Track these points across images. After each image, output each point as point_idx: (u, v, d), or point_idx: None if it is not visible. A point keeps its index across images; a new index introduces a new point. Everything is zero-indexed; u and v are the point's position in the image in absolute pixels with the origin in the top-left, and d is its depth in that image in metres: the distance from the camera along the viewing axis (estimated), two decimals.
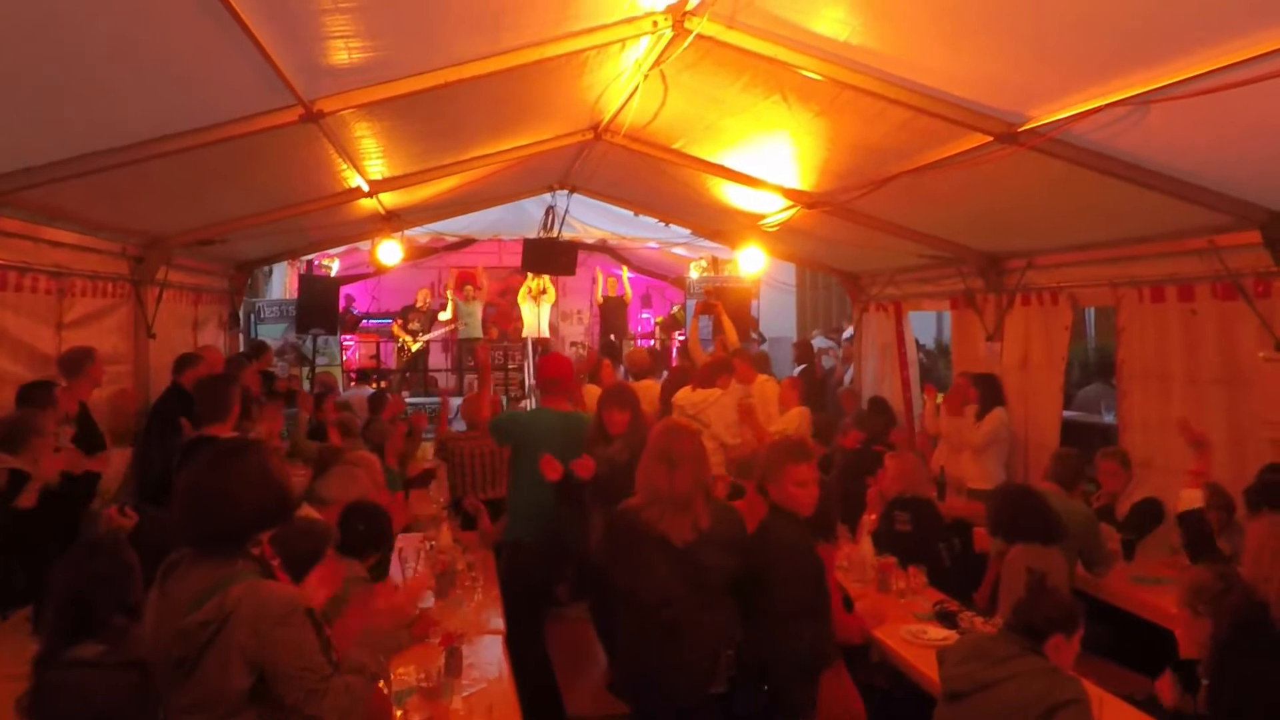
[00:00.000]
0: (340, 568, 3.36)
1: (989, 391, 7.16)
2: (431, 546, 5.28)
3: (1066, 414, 7.47)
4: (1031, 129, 4.45)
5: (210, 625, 2.31)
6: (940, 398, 7.91)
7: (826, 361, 12.02)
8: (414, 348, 13.91)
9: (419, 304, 14.44)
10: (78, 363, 5.70)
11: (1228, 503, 4.86)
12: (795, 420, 7.65)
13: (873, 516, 5.47)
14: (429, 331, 14.29)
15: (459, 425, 8.65)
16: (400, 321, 14.17)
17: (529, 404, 11.54)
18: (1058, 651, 3.30)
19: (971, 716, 3.30)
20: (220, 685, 2.31)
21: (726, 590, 3.75)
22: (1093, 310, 11.26)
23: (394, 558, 5.09)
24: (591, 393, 7.42)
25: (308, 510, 4.24)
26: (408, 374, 13.97)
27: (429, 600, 4.56)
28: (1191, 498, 4.82)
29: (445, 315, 14.42)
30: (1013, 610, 3.49)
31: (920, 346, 10.66)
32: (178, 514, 2.52)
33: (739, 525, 3.81)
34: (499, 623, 4.42)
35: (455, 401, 10.09)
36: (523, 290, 14.56)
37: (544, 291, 14.35)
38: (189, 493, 2.51)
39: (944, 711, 3.46)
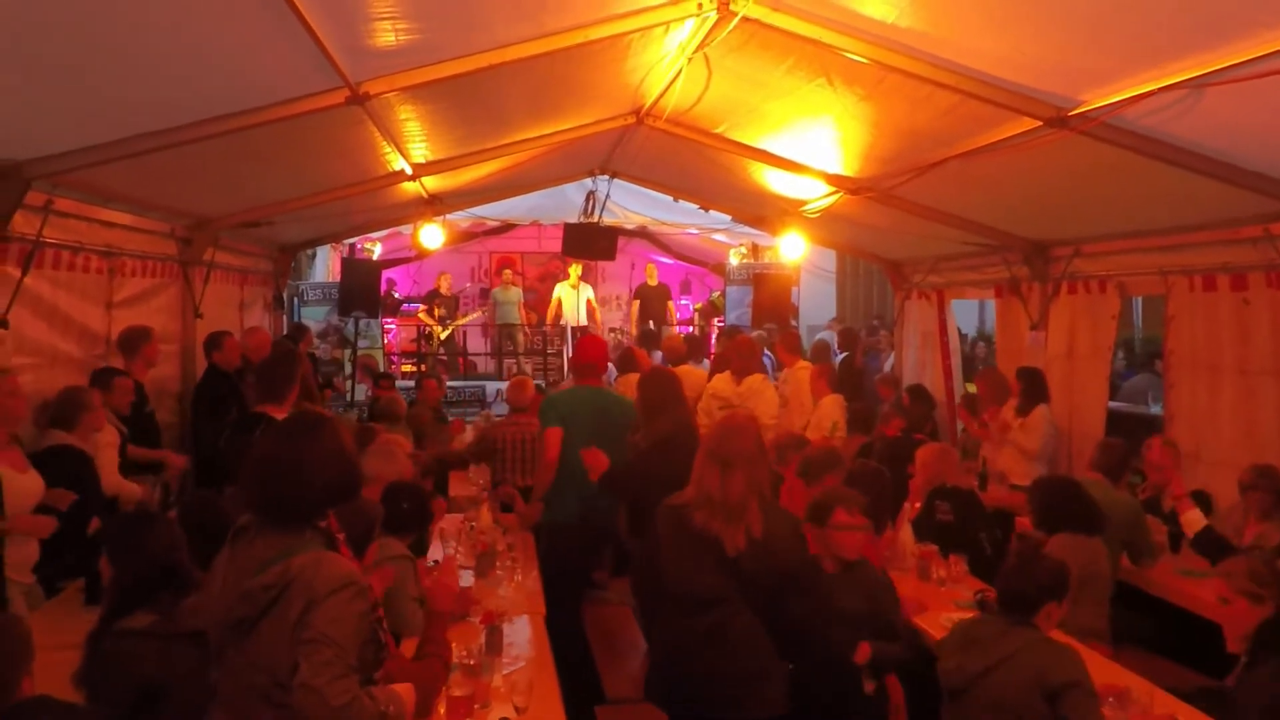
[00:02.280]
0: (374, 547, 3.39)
1: (1031, 386, 7.01)
2: (472, 527, 5.33)
3: (1112, 405, 7.37)
4: (1082, 113, 4.38)
5: (272, 590, 2.34)
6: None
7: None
8: (443, 335, 13.98)
9: (442, 289, 14.47)
10: (134, 343, 5.82)
11: (1277, 485, 4.82)
12: (829, 409, 7.61)
13: (915, 505, 5.43)
14: (455, 317, 14.34)
15: (499, 409, 8.72)
16: (427, 308, 14.24)
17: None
18: (1049, 618, 3.36)
19: (973, 712, 3.28)
20: (275, 650, 2.34)
21: (775, 596, 3.55)
22: (1139, 299, 11.09)
23: (435, 537, 5.15)
24: (629, 382, 7.43)
25: None
26: (443, 358, 14.06)
27: (469, 579, 4.61)
28: (1193, 520, 4.80)
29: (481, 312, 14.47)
30: (1002, 579, 3.47)
31: (963, 336, 10.57)
32: (248, 484, 2.52)
33: (795, 534, 3.63)
34: (539, 603, 4.45)
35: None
36: (563, 284, 14.61)
37: (579, 285, 14.41)
38: (262, 464, 2.50)
39: (949, 709, 3.45)
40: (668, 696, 3.74)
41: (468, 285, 15.25)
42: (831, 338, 12.53)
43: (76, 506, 4.40)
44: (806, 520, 3.73)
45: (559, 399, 5.79)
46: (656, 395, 5.21)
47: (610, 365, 8.88)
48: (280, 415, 4.92)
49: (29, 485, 4.29)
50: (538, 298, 15.51)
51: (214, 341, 6.76)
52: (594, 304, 14.60)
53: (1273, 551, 4.45)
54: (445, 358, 13.98)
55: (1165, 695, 3.50)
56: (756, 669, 3.48)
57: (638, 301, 14.56)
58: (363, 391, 10.63)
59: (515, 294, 14.39)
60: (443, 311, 14.11)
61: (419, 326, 14.28)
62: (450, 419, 8.73)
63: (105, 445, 5.03)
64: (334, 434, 2.56)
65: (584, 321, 14.32)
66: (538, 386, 8.46)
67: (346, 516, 2.83)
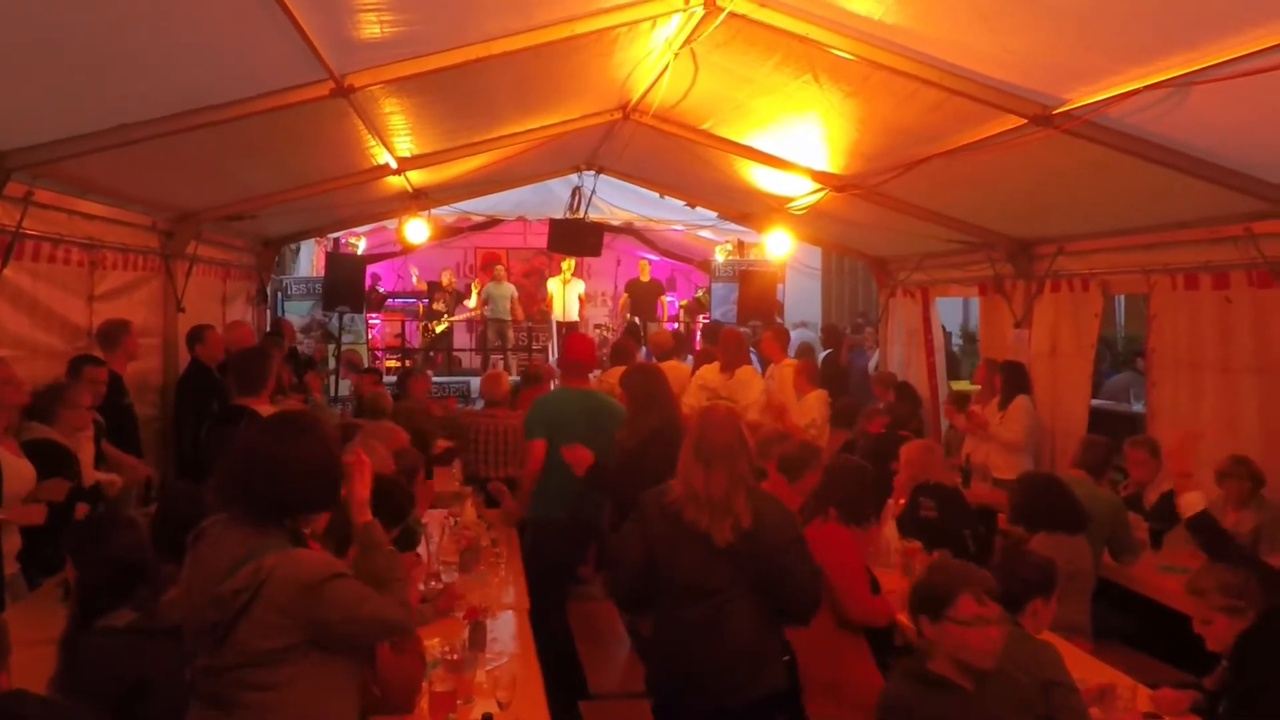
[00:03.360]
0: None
1: (1011, 379, 7.10)
2: (455, 523, 5.31)
3: (1094, 402, 7.40)
4: (1066, 111, 4.39)
5: (244, 593, 2.31)
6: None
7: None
8: (439, 329, 13.95)
9: (444, 283, 14.47)
10: (113, 335, 5.77)
11: (1254, 473, 4.89)
12: (814, 405, 7.63)
13: (898, 501, 5.45)
14: (454, 312, 14.32)
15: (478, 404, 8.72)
16: (427, 301, 14.22)
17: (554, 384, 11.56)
18: (1036, 615, 3.33)
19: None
20: (257, 648, 2.33)
21: (770, 586, 3.59)
22: (1122, 297, 11.16)
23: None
24: (616, 375, 7.42)
25: None
26: (431, 353, 14.04)
27: (453, 575, 4.59)
28: (1193, 501, 4.64)
29: (471, 303, 14.45)
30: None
31: (947, 333, 10.61)
32: (224, 476, 2.49)
33: (785, 519, 3.63)
34: (522, 599, 4.44)
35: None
36: (554, 278, 14.62)
37: (569, 280, 14.41)
38: (246, 459, 2.47)
39: None
40: (667, 687, 3.76)
41: (455, 281, 15.22)
42: (804, 335, 12.57)
43: (60, 500, 4.38)
44: (916, 612, 3.07)
45: (546, 402, 5.77)
46: (643, 391, 5.19)
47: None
48: (261, 407, 4.90)
49: (25, 472, 4.28)
50: (524, 293, 15.49)
51: (196, 335, 6.72)
52: (583, 298, 14.60)
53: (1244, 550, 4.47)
54: (437, 353, 13.96)
55: (1147, 691, 3.52)
56: (751, 652, 3.52)
57: (627, 295, 14.56)
58: (346, 386, 10.58)
59: (508, 289, 14.33)
60: (441, 306, 14.09)
61: (404, 321, 14.26)
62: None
63: (83, 438, 4.97)
64: (323, 438, 2.53)
65: (573, 317, 14.30)
66: (516, 382, 8.46)
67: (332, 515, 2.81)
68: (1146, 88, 3.86)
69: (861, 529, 4.43)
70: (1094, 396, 7.52)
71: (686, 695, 3.62)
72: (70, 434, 4.77)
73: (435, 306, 14.15)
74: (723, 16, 4.46)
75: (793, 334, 12.77)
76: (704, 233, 14.04)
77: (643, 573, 3.63)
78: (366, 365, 11.31)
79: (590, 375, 6.28)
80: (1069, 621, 4.28)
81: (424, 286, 14.64)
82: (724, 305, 13.11)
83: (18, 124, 4.30)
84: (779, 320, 12.46)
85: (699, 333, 13.39)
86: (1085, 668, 3.66)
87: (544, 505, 5.43)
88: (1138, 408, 8.19)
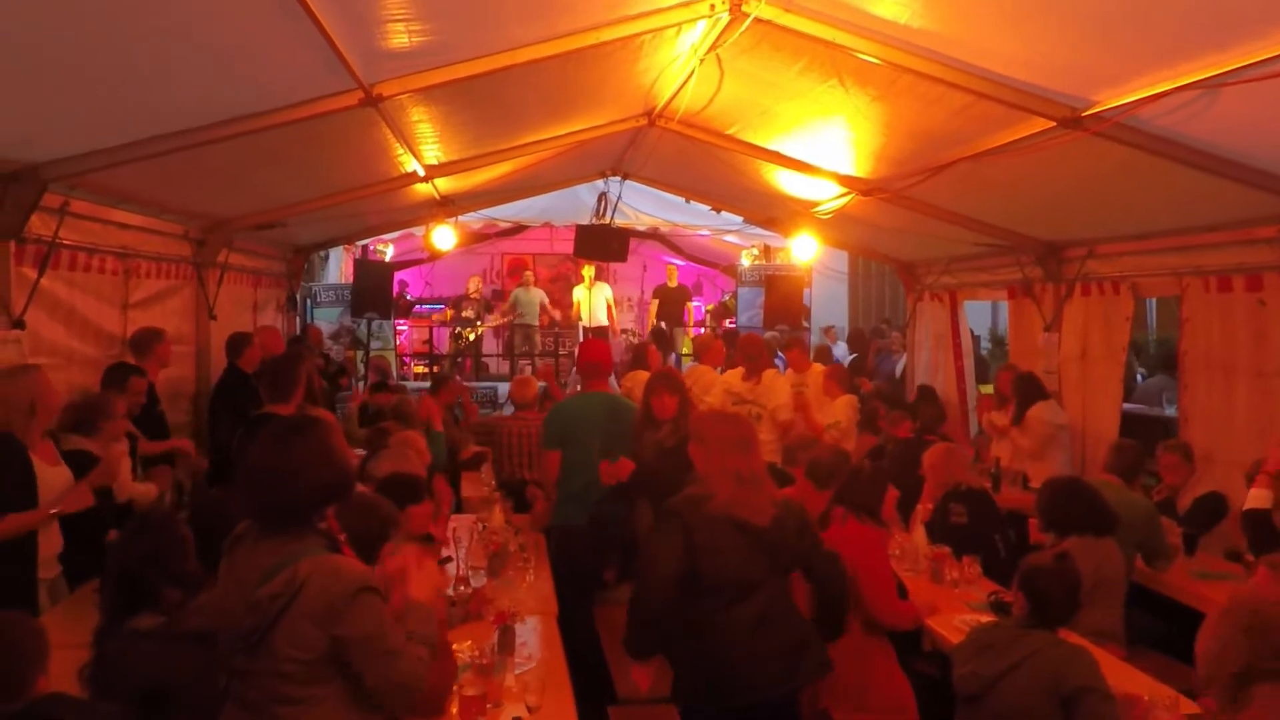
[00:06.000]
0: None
1: (1025, 390, 7.06)
2: (484, 528, 5.34)
3: (1127, 406, 7.33)
4: (1096, 114, 4.36)
5: (280, 599, 2.35)
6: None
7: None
8: (472, 337, 14.02)
9: (471, 292, 14.53)
10: (147, 343, 5.85)
11: None
12: (844, 409, 7.62)
13: (926, 506, 5.42)
14: (483, 319, 14.39)
15: (508, 408, 8.76)
16: (454, 310, 14.28)
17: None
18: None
19: (986, 717, 3.27)
20: (291, 655, 2.36)
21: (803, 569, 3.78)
22: (1153, 301, 11.04)
23: (449, 538, 5.16)
24: (638, 379, 7.43)
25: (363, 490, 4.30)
26: (459, 359, 14.09)
27: (482, 579, 4.62)
28: (1259, 497, 4.62)
29: (500, 314, 14.52)
30: (1042, 594, 3.43)
31: (975, 337, 10.54)
32: (240, 491, 2.54)
33: (802, 511, 3.82)
34: (551, 603, 4.46)
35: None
36: (579, 286, 14.66)
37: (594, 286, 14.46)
38: (251, 470, 2.52)
39: (963, 714, 3.44)
40: (710, 691, 3.61)
41: (482, 288, 15.29)
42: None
43: (92, 510, 4.42)
44: None
45: (563, 410, 5.78)
46: (686, 392, 5.31)
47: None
48: (287, 414, 4.95)
49: (60, 479, 4.30)
50: (551, 299, 15.53)
51: (243, 342, 6.79)
52: (611, 303, 14.61)
53: None
54: (465, 358, 14.01)
55: (1187, 702, 3.47)
56: (801, 639, 3.62)
57: (657, 301, 14.56)
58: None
59: (538, 295, 14.34)
60: (471, 313, 14.15)
61: (432, 327, 14.33)
62: (459, 417, 8.73)
63: (120, 454, 5.00)
64: (322, 436, 2.55)
65: (603, 321, 14.31)
66: (544, 388, 8.47)
67: (350, 517, 2.83)
68: (1176, 89, 3.83)
69: (885, 529, 4.45)
70: (1126, 400, 7.44)
71: (729, 695, 3.53)
72: (107, 446, 4.78)
73: (465, 314, 14.21)
74: (748, 22, 4.46)
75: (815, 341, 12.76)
76: (730, 237, 14.02)
77: (676, 585, 3.56)
78: (393, 372, 11.38)
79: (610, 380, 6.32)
80: (1102, 627, 4.24)
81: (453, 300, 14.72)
82: (750, 310, 13.10)
83: (53, 136, 4.38)
84: (805, 325, 12.44)
85: (723, 339, 13.39)
86: (1118, 674, 3.62)
87: (566, 513, 5.44)
88: (1170, 411, 8.10)
